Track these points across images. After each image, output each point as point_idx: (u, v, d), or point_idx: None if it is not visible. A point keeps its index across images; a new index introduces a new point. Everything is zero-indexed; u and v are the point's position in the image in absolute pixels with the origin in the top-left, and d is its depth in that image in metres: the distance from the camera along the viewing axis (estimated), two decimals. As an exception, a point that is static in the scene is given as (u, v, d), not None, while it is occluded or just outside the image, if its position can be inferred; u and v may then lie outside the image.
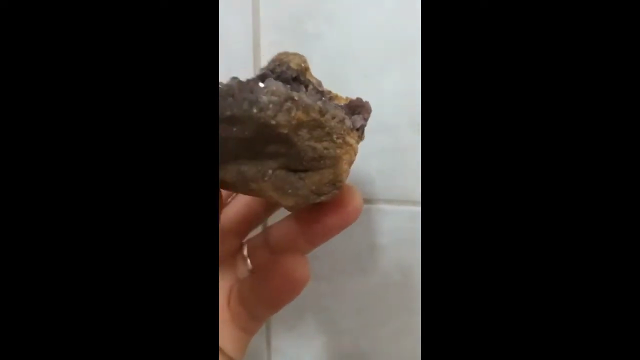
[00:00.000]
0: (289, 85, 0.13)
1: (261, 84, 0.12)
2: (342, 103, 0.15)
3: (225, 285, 0.19)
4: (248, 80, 0.13)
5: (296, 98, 0.12)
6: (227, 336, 0.18)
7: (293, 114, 0.12)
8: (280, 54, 0.15)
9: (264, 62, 0.25)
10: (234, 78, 0.13)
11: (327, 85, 0.24)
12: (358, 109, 0.15)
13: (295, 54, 0.15)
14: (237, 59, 0.25)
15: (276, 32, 0.24)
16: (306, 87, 0.15)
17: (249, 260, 0.20)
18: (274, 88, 0.12)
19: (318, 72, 0.24)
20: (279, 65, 0.15)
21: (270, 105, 0.11)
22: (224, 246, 0.19)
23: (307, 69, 0.15)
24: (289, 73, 0.14)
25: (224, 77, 0.25)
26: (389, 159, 0.24)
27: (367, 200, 0.25)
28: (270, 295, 0.17)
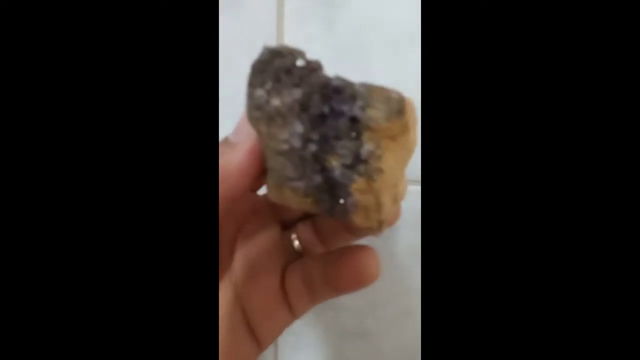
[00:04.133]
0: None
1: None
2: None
3: (276, 268, 0.18)
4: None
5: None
6: (271, 324, 0.18)
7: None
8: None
9: (288, 29, 0.24)
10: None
11: (350, 56, 0.23)
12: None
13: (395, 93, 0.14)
14: (260, 26, 0.24)
15: (301, -2, 0.24)
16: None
17: (297, 242, 0.20)
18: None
19: (342, 41, 0.23)
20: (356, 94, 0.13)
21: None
22: (271, 232, 0.19)
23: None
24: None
25: (247, 45, 0.25)
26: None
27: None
28: (338, 282, 0.17)
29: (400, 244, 0.26)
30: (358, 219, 0.13)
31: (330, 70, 0.23)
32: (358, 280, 0.16)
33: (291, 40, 0.24)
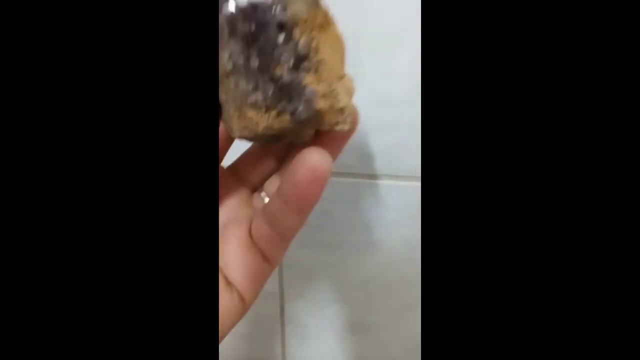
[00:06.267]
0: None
1: None
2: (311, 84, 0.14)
3: (245, 220, 0.19)
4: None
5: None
6: (245, 270, 0.18)
7: None
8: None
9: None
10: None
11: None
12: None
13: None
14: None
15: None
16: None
17: (267, 199, 0.20)
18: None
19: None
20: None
21: None
22: (239, 193, 0.20)
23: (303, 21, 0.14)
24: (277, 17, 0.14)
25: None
26: (397, 134, 0.24)
27: (374, 176, 0.26)
28: (296, 193, 0.16)
29: (399, 239, 0.27)
30: (322, 105, 0.14)
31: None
32: (313, 178, 0.16)
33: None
